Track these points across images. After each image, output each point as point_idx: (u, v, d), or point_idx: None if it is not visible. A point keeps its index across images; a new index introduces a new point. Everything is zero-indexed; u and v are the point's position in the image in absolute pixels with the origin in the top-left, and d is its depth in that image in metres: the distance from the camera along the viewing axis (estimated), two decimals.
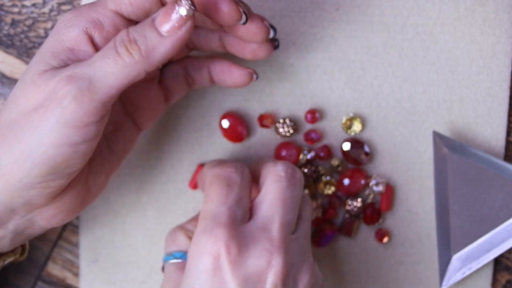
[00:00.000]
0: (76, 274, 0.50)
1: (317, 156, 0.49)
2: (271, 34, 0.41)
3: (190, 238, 0.43)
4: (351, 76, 0.49)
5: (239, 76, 0.43)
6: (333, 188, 0.49)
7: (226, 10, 0.38)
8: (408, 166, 0.50)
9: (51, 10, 0.49)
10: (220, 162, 0.42)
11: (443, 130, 0.49)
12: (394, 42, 0.49)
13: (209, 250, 0.37)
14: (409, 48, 0.49)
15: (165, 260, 0.43)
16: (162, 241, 0.50)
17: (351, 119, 0.49)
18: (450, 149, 0.48)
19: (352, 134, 0.49)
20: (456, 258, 0.48)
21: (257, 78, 0.44)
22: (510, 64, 0.49)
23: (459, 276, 0.49)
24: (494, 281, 0.51)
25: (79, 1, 0.49)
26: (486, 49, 0.49)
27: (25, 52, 0.49)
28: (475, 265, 0.48)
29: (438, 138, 0.48)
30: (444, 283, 0.49)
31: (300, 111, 0.49)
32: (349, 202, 0.49)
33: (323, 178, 0.49)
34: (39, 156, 0.36)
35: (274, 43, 0.43)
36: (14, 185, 0.37)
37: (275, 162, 0.41)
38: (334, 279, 0.50)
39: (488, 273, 0.50)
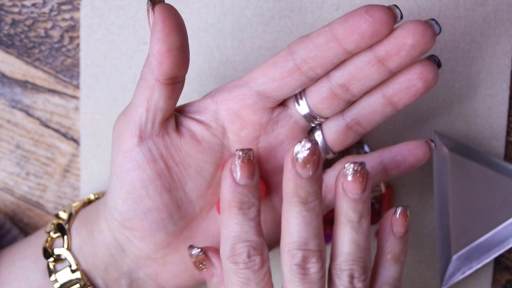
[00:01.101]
0: None
1: None
2: (436, 28, 0.37)
3: None
4: None
5: (419, 149, 0.41)
6: None
7: (378, 15, 0.36)
8: None
9: (51, 10, 0.49)
10: (231, 242, 0.38)
11: (443, 130, 0.49)
12: None
13: None
14: None
15: None
16: None
17: None
18: (450, 149, 0.48)
19: None
20: (456, 258, 0.48)
21: (435, 146, 0.41)
22: (510, 64, 0.49)
23: (459, 276, 0.49)
24: (494, 281, 0.51)
25: (79, 1, 0.49)
26: (486, 49, 0.49)
27: (25, 52, 0.49)
28: (475, 265, 0.48)
29: (438, 138, 0.48)
30: (444, 283, 0.49)
31: None
32: None
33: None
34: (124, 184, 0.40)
35: (434, 60, 0.40)
36: (113, 222, 0.41)
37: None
38: None
39: (488, 273, 0.50)
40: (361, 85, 0.39)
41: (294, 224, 0.37)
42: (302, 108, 0.40)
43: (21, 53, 0.49)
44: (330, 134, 0.41)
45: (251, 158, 0.37)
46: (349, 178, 0.37)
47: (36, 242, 0.45)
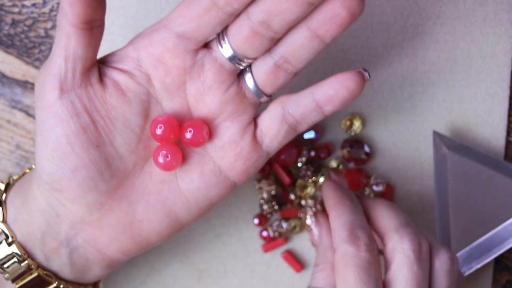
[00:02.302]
0: None
1: (317, 156, 0.49)
2: None
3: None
4: None
5: (351, 81, 0.39)
6: None
7: None
8: (408, 166, 0.50)
9: (51, 10, 0.49)
10: (349, 228, 0.40)
11: (443, 130, 0.49)
12: (394, 42, 0.49)
13: None
14: (409, 48, 0.49)
15: None
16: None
17: (351, 119, 0.49)
18: (450, 149, 0.48)
19: (352, 133, 0.49)
20: None
21: (369, 76, 0.39)
22: (510, 64, 0.49)
23: None
24: (494, 281, 0.51)
25: None
26: (486, 49, 0.49)
27: (25, 52, 0.49)
28: (475, 265, 0.48)
29: (438, 138, 0.48)
30: None
31: None
32: None
33: (324, 178, 0.49)
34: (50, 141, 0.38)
35: None
36: (44, 185, 0.39)
37: (400, 235, 0.40)
38: None
39: (488, 273, 0.50)
40: (281, 20, 0.37)
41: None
42: (225, 50, 0.39)
43: (21, 53, 0.49)
44: (260, 75, 0.40)
45: None
46: None
47: None
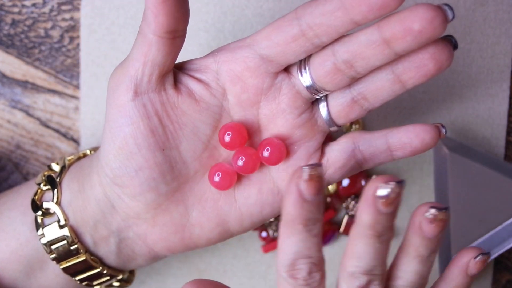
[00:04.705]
0: None
1: None
2: (449, 14, 0.35)
3: None
4: None
5: (427, 133, 0.39)
6: (333, 188, 0.49)
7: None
8: (408, 166, 0.50)
9: (51, 10, 0.49)
10: (291, 258, 0.36)
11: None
12: None
13: None
14: None
15: None
16: None
17: None
18: (450, 149, 0.48)
19: None
20: None
21: (445, 133, 0.39)
22: (510, 64, 0.49)
23: None
24: (494, 281, 0.51)
25: (79, 1, 0.49)
26: (486, 49, 0.49)
27: (25, 52, 0.49)
28: None
29: None
30: None
31: None
32: (349, 202, 0.49)
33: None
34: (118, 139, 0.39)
35: (450, 40, 0.37)
36: (105, 178, 0.40)
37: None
38: (334, 278, 0.50)
39: (488, 273, 0.50)
40: (365, 64, 0.37)
41: (365, 253, 0.36)
42: (305, 79, 0.39)
43: (21, 53, 0.49)
44: (335, 106, 0.40)
45: (320, 174, 0.35)
46: (430, 222, 0.36)
47: (26, 192, 0.43)
